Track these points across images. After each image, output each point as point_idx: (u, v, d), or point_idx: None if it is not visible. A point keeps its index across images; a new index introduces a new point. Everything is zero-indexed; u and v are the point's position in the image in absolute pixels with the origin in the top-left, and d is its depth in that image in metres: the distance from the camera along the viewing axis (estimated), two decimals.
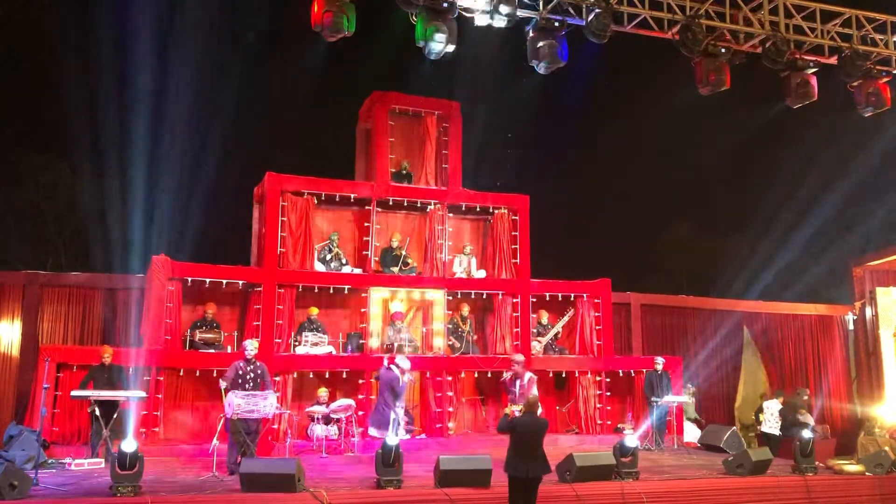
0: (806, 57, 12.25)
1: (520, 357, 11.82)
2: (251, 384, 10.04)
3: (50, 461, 10.51)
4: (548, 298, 15.08)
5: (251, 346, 10.37)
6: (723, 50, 11.74)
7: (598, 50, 11.48)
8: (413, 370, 12.71)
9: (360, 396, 13.12)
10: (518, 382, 11.20)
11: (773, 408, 14.47)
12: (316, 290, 13.69)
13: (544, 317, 15.03)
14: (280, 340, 13.01)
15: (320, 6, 10.11)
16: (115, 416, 10.59)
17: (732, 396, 16.71)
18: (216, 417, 10.92)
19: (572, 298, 15.22)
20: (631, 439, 10.12)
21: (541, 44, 10.95)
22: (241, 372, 10.08)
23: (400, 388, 11.75)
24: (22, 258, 19.59)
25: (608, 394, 14.74)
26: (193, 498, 8.38)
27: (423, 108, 14.96)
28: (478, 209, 15.04)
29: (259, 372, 10.19)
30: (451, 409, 13.73)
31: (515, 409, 10.07)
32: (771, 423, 14.33)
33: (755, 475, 10.42)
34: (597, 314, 15.04)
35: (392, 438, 9.25)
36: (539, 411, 8.57)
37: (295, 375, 13.10)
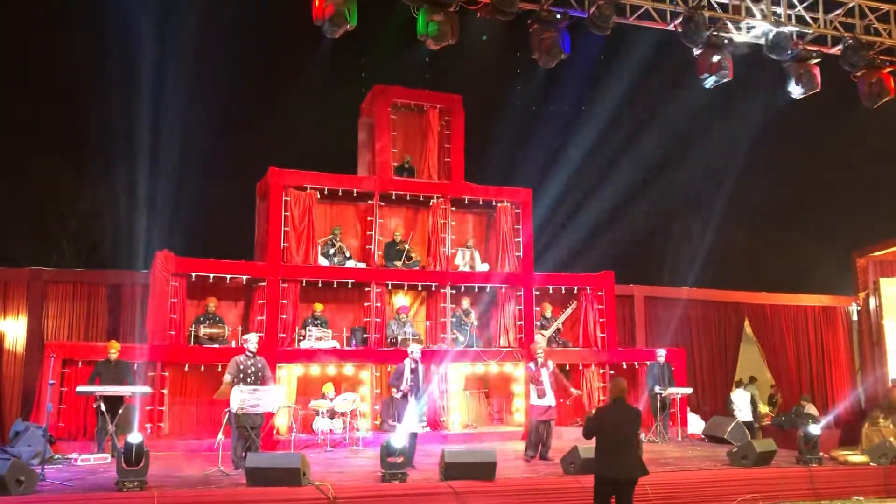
0: (809, 47, 12.21)
1: (543, 343, 11.76)
2: (252, 378, 10.04)
3: (56, 457, 10.55)
4: (551, 291, 15.10)
5: (253, 339, 10.38)
6: (725, 41, 11.70)
7: (600, 41, 11.45)
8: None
9: (364, 390, 13.16)
10: (546, 371, 11.14)
11: (742, 397, 14.74)
12: (320, 285, 13.72)
13: (548, 310, 15.03)
14: (284, 335, 13.04)
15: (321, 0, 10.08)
16: (120, 411, 10.63)
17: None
18: (221, 412, 10.95)
19: (576, 291, 15.23)
20: None
21: (543, 36, 10.92)
22: (241, 367, 10.08)
23: (397, 374, 11.50)
24: (26, 255, 19.61)
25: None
26: (199, 492, 8.40)
27: (425, 102, 14.97)
28: (480, 202, 15.05)
29: (259, 366, 10.19)
30: (455, 403, 13.75)
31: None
32: (744, 412, 14.57)
33: (759, 466, 10.43)
34: (600, 307, 15.04)
35: (398, 435, 9.26)
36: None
37: (299, 370, 13.12)
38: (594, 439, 7.31)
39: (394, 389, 10.68)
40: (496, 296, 14.85)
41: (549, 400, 11.06)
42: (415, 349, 10.83)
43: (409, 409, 10.33)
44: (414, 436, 10.19)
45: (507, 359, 14.00)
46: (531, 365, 11.30)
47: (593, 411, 7.62)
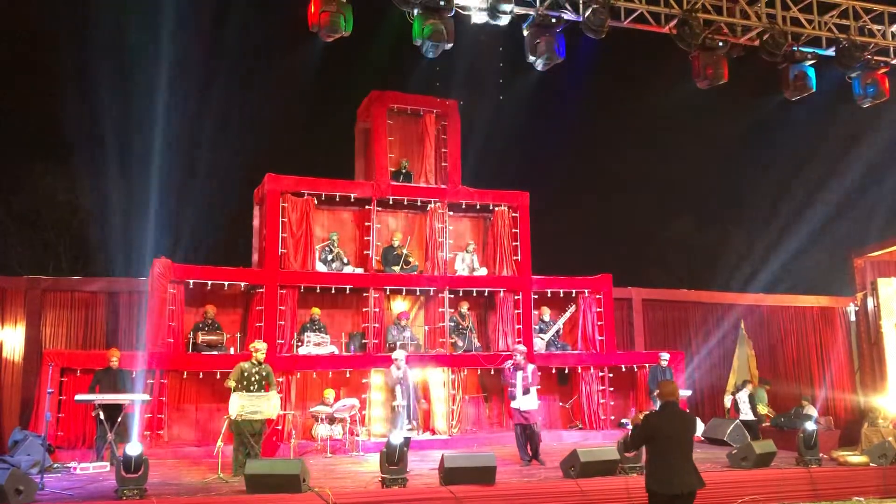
0: (803, 49, 12.24)
1: (522, 347, 11.82)
2: (256, 386, 10.06)
3: (55, 465, 10.54)
4: (549, 295, 15.10)
5: (263, 349, 10.39)
6: (720, 43, 11.72)
7: (595, 45, 11.47)
8: (414, 366, 12.68)
9: (364, 396, 13.15)
10: (521, 374, 11.15)
11: (744, 396, 14.79)
12: (318, 291, 13.72)
13: (546, 313, 15.03)
14: (283, 341, 13.03)
15: (317, 6, 10.10)
16: (119, 419, 10.62)
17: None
18: (220, 419, 10.94)
19: (574, 294, 15.24)
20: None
21: (538, 40, 10.94)
22: (245, 373, 10.09)
23: (392, 381, 11.54)
24: (23, 263, 19.61)
25: (611, 389, 14.77)
26: (199, 500, 8.39)
27: (422, 107, 14.98)
28: (478, 207, 15.05)
29: (264, 374, 10.22)
30: (454, 407, 13.74)
31: (640, 415, 7.93)
32: (745, 410, 14.62)
33: (759, 468, 10.42)
34: (599, 310, 15.05)
35: (395, 436, 9.25)
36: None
37: (298, 376, 13.12)
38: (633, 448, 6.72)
39: (392, 395, 10.74)
40: (494, 300, 14.85)
41: (521, 402, 11.01)
42: (398, 354, 10.89)
43: (402, 416, 10.38)
44: (406, 441, 10.18)
45: (505, 363, 13.98)
46: (506, 365, 11.30)
47: (641, 416, 6.90)
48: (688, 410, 6.62)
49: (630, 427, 10.22)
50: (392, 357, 11.46)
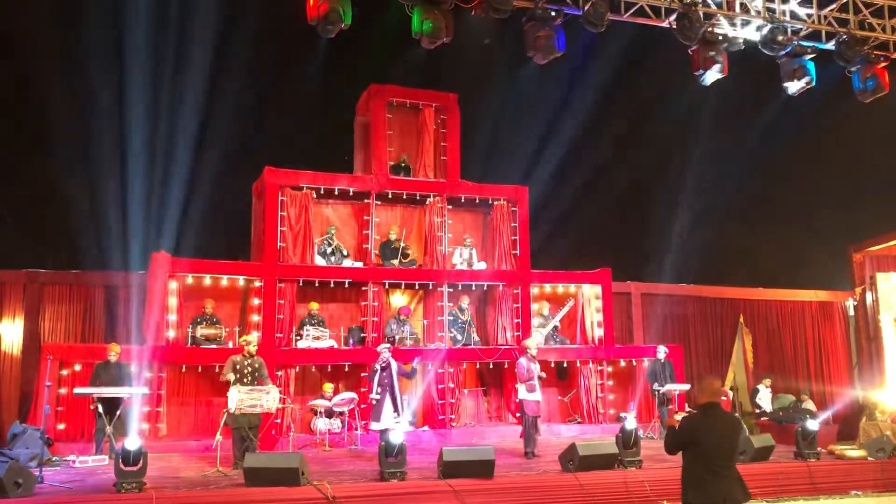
0: (804, 43, 12.22)
1: (533, 341, 11.87)
2: (249, 379, 10.06)
3: (54, 459, 10.55)
4: (548, 289, 15.09)
5: (254, 341, 10.41)
6: (720, 37, 11.70)
7: (595, 39, 11.44)
8: (408, 362, 12.70)
9: (363, 390, 13.15)
10: (536, 368, 11.20)
11: (764, 392, 14.91)
12: (317, 285, 13.71)
13: (545, 307, 15.04)
14: (281, 335, 13.04)
15: None
16: (118, 413, 10.63)
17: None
18: (219, 413, 10.95)
19: (573, 289, 15.23)
20: (630, 422, 10.15)
21: (538, 34, 10.92)
22: (238, 367, 10.09)
23: (371, 372, 11.44)
24: (22, 257, 19.56)
25: (610, 383, 14.78)
26: (198, 493, 8.39)
27: (421, 101, 14.96)
28: (477, 201, 15.04)
29: (256, 366, 10.21)
30: (452, 401, 13.76)
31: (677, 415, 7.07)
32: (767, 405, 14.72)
33: (758, 462, 10.45)
34: (598, 304, 15.05)
35: (397, 435, 9.26)
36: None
37: (297, 370, 13.13)
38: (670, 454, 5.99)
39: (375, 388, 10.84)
40: (493, 294, 14.85)
41: (539, 395, 11.10)
42: (383, 349, 10.97)
43: (386, 408, 10.46)
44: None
45: (504, 357, 14.00)
46: (522, 361, 11.28)
47: (677, 417, 6.16)
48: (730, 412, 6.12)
49: (625, 421, 10.25)
50: (377, 350, 11.49)
